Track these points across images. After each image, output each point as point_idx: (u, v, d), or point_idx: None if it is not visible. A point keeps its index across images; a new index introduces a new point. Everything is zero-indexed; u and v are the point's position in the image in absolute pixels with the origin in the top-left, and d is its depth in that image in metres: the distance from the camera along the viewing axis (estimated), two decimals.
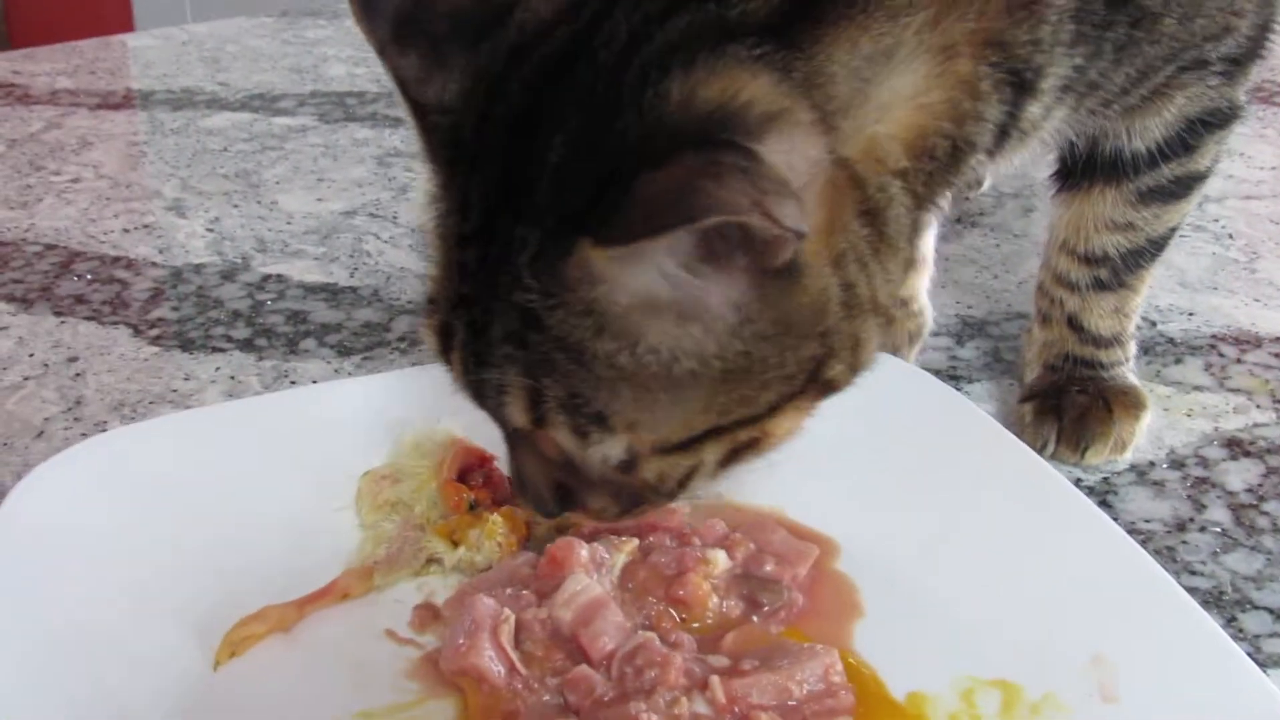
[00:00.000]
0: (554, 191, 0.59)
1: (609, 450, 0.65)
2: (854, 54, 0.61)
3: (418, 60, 0.63)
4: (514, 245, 0.60)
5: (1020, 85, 0.69)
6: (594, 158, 0.58)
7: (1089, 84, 0.76)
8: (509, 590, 0.77)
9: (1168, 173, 0.91)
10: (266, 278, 1.24)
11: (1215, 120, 0.89)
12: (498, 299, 0.62)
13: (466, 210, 0.64)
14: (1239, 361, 1.10)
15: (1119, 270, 0.97)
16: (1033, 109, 0.72)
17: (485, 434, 0.89)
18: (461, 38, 0.63)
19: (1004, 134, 0.70)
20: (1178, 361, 1.10)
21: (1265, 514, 0.92)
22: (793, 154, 0.58)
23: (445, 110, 0.63)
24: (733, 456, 0.68)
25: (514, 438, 0.71)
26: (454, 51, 0.63)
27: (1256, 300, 1.21)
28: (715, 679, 0.73)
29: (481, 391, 0.67)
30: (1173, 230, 0.96)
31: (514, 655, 0.73)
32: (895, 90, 0.62)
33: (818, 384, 0.66)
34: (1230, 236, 1.34)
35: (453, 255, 0.65)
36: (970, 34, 0.64)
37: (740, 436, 0.66)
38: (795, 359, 0.63)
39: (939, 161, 0.66)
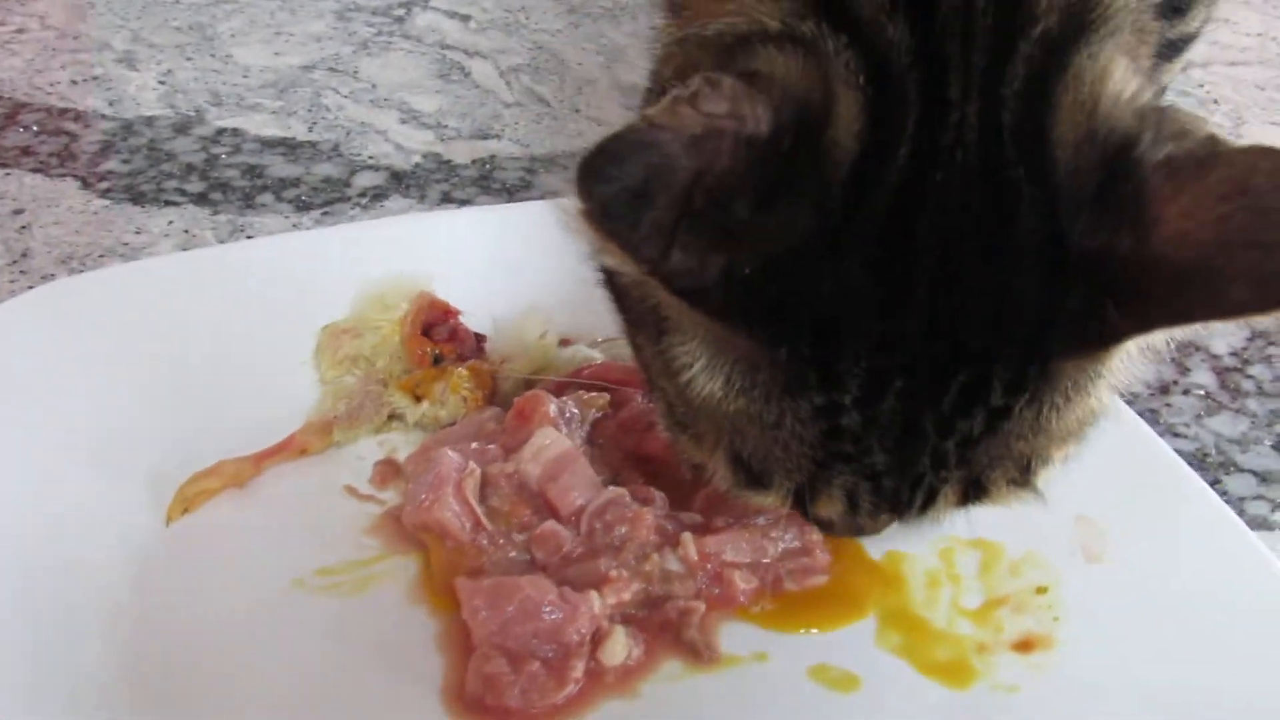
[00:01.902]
0: (1025, 313, 0.50)
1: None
2: None
3: (684, 254, 0.46)
4: (990, 381, 0.51)
5: None
6: (1040, 251, 0.49)
7: None
8: (474, 445, 0.75)
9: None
10: (221, 131, 1.18)
11: None
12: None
13: (848, 383, 0.51)
14: None
15: None
16: None
17: (452, 288, 0.86)
18: (737, 204, 0.47)
19: None
20: None
21: (1250, 377, 0.90)
22: None
23: (745, 282, 0.48)
24: None
25: None
26: (732, 222, 0.47)
27: None
28: (687, 535, 0.70)
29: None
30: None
31: (479, 510, 0.70)
32: None
33: None
34: (1215, 102, 1.31)
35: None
36: None
37: None
38: None
39: None
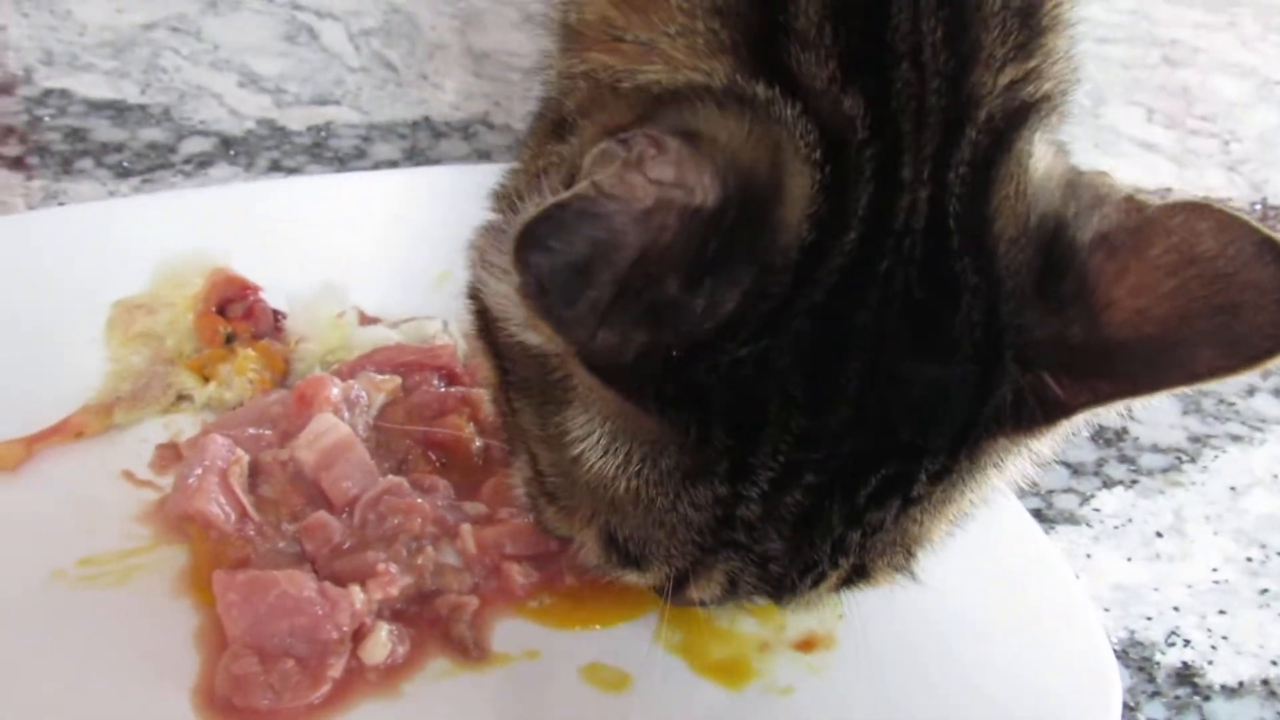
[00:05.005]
0: (960, 403, 0.49)
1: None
2: None
3: (609, 332, 0.44)
4: (916, 473, 0.50)
5: None
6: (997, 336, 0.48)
7: None
8: (251, 430, 0.71)
9: None
10: (48, 92, 1.14)
11: None
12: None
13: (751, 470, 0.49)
14: None
15: None
16: None
17: (251, 263, 0.83)
18: (669, 280, 0.44)
19: None
20: None
21: None
22: None
23: (666, 362, 0.45)
24: None
25: None
26: (662, 299, 0.44)
27: (1096, 146, 1.17)
28: (466, 527, 0.68)
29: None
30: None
31: (246, 500, 0.67)
32: None
33: None
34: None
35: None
36: None
37: None
38: None
39: None
